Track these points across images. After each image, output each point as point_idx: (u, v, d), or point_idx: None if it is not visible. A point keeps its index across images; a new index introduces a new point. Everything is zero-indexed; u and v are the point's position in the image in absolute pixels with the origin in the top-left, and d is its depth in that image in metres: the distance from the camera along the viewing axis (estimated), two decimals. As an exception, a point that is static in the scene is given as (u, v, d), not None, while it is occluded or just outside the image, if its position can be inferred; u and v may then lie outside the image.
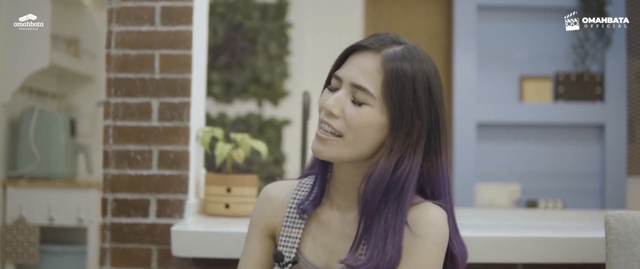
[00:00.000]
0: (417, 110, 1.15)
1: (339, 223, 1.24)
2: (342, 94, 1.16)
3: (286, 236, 1.27)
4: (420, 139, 1.17)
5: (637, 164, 4.43)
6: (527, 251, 1.64)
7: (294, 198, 1.29)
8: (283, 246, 1.26)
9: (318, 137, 1.18)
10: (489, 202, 4.36)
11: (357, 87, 1.15)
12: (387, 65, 1.14)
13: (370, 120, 1.15)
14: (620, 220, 1.40)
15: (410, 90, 1.14)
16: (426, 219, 1.14)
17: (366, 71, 1.15)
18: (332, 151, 1.17)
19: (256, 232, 1.31)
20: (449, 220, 1.19)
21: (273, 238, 1.31)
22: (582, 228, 1.93)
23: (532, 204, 4.27)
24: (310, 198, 1.27)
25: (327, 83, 1.22)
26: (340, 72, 1.18)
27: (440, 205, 1.18)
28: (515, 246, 1.65)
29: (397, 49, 1.17)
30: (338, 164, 1.22)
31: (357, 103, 1.15)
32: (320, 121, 1.18)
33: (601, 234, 1.58)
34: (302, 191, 1.29)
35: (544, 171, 4.44)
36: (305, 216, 1.26)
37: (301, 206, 1.26)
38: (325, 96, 1.20)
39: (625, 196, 4.35)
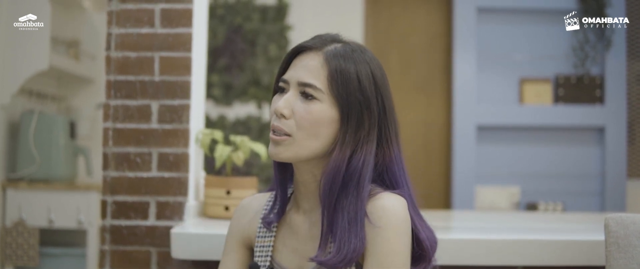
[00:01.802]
0: (364, 100, 1.18)
1: (305, 225, 1.26)
2: (291, 95, 1.19)
3: (260, 246, 1.30)
4: (372, 130, 1.20)
5: (637, 167, 4.43)
6: (527, 253, 1.64)
7: (266, 209, 1.32)
8: (258, 256, 1.29)
9: (272, 140, 1.20)
10: (489, 204, 4.36)
11: (304, 84, 1.18)
12: (330, 60, 1.18)
13: (320, 115, 1.17)
14: (620, 223, 1.40)
15: (355, 81, 1.18)
16: (384, 209, 1.15)
17: (311, 68, 1.19)
18: (288, 151, 1.19)
19: (233, 244, 1.34)
20: (409, 207, 1.20)
21: (249, 249, 1.34)
22: (582, 230, 1.93)
23: (532, 207, 4.27)
24: (275, 209, 1.29)
25: (275, 90, 1.25)
26: (286, 76, 1.22)
27: (399, 194, 1.20)
28: (515, 249, 1.65)
29: (338, 46, 1.21)
30: (298, 167, 1.24)
31: (307, 98, 1.18)
32: (272, 126, 1.20)
33: (601, 236, 1.57)
34: (272, 202, 1.33)
35: (544, 173, 4.44)
36: (271, 226, 1.28)
37: (265, 219, 1.29)
38: (275, 102, 1.22)
39: (625, 198, 4.35)
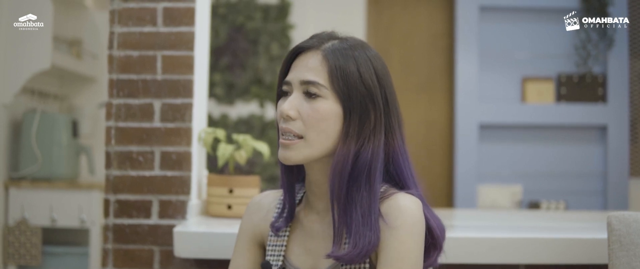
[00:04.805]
0: (367, 93, 1.18)
1: (319, 225, 1.26)
2: (295, 96, 1.19)
3: (273, 245, 1.29)
4: (378, 122, 1.19)
5: (639, 165, 4.42)
6: (529, 252, 1.64)
7: (278, 208, 1.31)
8: (270, 255, 1.28)
9: (282, 144, 1.20)
10: (491, 203, 4.36)
11: (306, 82, 1.18)
12: (328, 56, 1.19)
13: (327, 112, 1.17)
14: (623, 221, 1.40)
15: (355, 74, 1.18)
16: (399, 210, 1.16)
17: (311, 67, 1.19)
18: (299, 154, 1.19)
19: (245, 241, 1.33)
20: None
21: (261, 247, 1.33)
22: (585, 228, 1.93)
23: (534, 205, 4.27)
24: (284, 215, 1.28)
25: (279, 94, 1.25)
26: (288, 77, 1.21)
27: (413, 193, 1.20)
28: (517, 247, 1.65)
29: (335, 42, 1.21)
30: (309, 167, 1.24)
31: (311, 96, 1.18)
32: (281, 130, 1.20)
33: (603, 235, 1.57)
34: (281, 205, 1.31)
35: (546, 172, 4.43)
36: (280, 232, 1.28)
37: (274, 225, 1.28)
38: (280, 105, 1.22)
39: (628, 197, 4.34)
